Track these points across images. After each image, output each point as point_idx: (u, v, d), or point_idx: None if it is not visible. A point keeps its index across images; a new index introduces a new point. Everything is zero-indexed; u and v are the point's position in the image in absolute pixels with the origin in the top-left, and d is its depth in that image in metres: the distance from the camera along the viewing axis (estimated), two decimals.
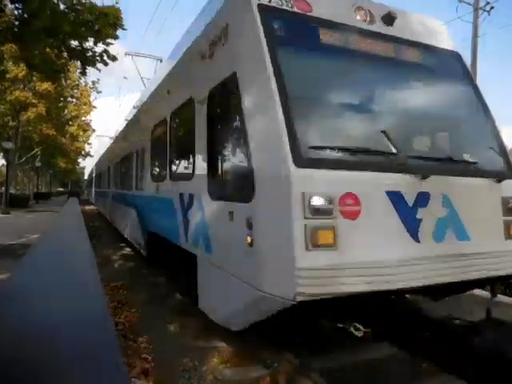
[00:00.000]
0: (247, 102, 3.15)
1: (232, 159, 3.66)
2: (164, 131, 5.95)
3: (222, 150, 3.86)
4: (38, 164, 33.45)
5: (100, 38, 10.04)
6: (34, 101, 22.17)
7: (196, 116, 4.36)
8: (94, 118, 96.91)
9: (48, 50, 10.37)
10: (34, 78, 19.91)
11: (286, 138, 2.71)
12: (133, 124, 10.52)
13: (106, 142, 25.76)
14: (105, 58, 10.89)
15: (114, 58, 11.14)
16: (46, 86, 20.88)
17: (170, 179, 5.49)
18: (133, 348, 3.64)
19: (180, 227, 4.82)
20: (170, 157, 5.59)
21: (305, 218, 2.55)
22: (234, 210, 3.28)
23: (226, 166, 3.78)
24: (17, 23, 9.43)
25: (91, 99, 30.16)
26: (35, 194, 36.08)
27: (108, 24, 9.70)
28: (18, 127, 24.63)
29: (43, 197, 39.36)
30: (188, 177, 4.58)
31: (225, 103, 3.76)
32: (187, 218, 4.57)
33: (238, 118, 3.29)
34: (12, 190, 28.26)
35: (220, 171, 3.85)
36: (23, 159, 30.03)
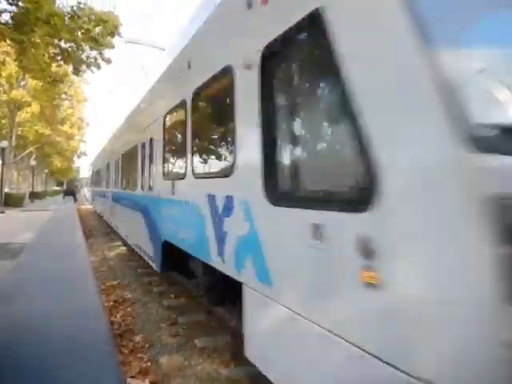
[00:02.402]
0: (348, 45, 1.80)
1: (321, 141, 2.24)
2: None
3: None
4: (33, 163, 33.26)
5: (97, 46, 10.12)
6: (28, 99, 22.04)
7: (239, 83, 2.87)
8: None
9: (43, 52, 10.38)
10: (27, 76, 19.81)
11: (448, 102, 1.43)
12: None
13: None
14: (99, 61, 10.98)
15: (108, 61, 11.21)
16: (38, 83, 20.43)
17: None
18: (129, 347, 3.64)
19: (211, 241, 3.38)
20: None
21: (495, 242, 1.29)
22: (323, 223, 1.95)
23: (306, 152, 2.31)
24: (12, 22, 9.41)
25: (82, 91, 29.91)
26: (30, 193, 35.88)
27: (106, 32, 9.76)
28: (13, 126, 24.48)
29: (39, 196, 39.14)
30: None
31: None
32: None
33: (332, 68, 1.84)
34: (6, 189, 28.07)
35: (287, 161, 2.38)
36: (18, 158, 29.87)
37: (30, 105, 22.23)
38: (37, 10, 8.71)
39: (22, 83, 22.54)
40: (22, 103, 22.25)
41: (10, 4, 9.27)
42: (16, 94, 21.22)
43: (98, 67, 11.07)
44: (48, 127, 26.62)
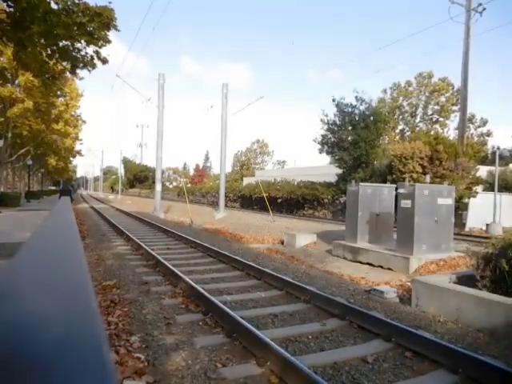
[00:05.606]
0: None
1: None
2: None
3: None
4: (29, 162, 33.06)
5: (92, 40, 10.01)
6: (19, 96, 21.76)
7: None
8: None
9: (40, 49, 10.31)
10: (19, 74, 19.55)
11: None
12: None
13: None
14: (95, 60, 10.87)
15: (104, 61, 11.08)
16: (27, 76, 19.42)
17: None
18: (125, 347, 3.62)
19: None
20: None
21: None
22: None
23: None
24: (9, 21, 9.34)
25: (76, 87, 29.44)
26: (27, 192, 35.71)
27: (102, 25, 9.66)
28: (8, 124, 24.25)
29: (35, 196, 38.96)
30: None
31: None
32: None
33: None
34: (2, 189, 27.89)
35: None
36: (14, 157, 29.66)
37: (22, 101, 21.91)
38: (33, 9, 8.66)
39: (16, 81, 22.27)
40: (12, 99, 21.93)
41: (9, 6, 9.22)
42: (4, 90, 20.85)
43: (94, 67, 10.97)
44: (43, 124, 26.24)
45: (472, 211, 16.22)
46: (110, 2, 10.22)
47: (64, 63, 11.76)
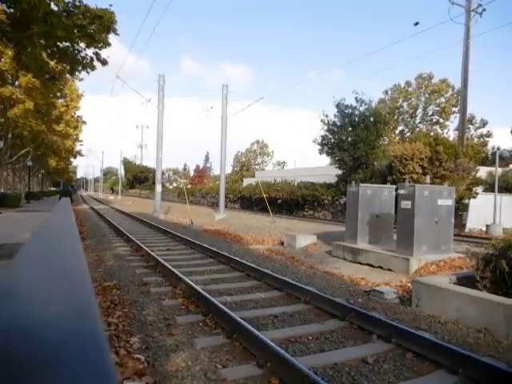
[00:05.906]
0: None
1: None
2: None
3: None
4: (29, 163, 33.05)
5: (93, 43, 10.03)
6: (20, 96, 21.75)
7: None
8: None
9: (39, 50, 10.34)
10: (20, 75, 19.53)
11: None
12: None
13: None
14: (94, 62, 10.88)
15: (104, 62, 11.08)
16: (29, 77, 19.31)
17: None
18: (125, 348, 3.62)
19: None
20: None
21: None
22: None
23: None
24: (9, 22, 9.37)
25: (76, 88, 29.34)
26: (27, 193, 35.71)
27: (102, 28, 9.68)
28: (8, 124, 24.23)
29: (35, 196, 38.97)
30: None
31: None
32: None
33: None
34: (1, 190, 27.87)
35: None
36: (14, 158, 29.65)
37: (23, 102, 21.89)
38: (33, 10, 8.68)
39: (17, 82, 22.27)
40: (13, 100, 21.92)
41: (9, 7, 9.24)
42: (5, 90, 20.82)
43: (93, 69, 10.98)
44: (43, 125, 26.18)
45: (472, 212, 16.21)
46: (110, 5, 10.21)
47: (63, 64, 11.77)
